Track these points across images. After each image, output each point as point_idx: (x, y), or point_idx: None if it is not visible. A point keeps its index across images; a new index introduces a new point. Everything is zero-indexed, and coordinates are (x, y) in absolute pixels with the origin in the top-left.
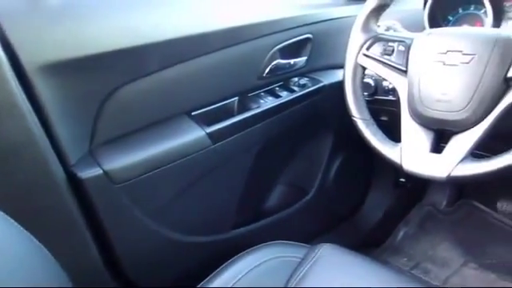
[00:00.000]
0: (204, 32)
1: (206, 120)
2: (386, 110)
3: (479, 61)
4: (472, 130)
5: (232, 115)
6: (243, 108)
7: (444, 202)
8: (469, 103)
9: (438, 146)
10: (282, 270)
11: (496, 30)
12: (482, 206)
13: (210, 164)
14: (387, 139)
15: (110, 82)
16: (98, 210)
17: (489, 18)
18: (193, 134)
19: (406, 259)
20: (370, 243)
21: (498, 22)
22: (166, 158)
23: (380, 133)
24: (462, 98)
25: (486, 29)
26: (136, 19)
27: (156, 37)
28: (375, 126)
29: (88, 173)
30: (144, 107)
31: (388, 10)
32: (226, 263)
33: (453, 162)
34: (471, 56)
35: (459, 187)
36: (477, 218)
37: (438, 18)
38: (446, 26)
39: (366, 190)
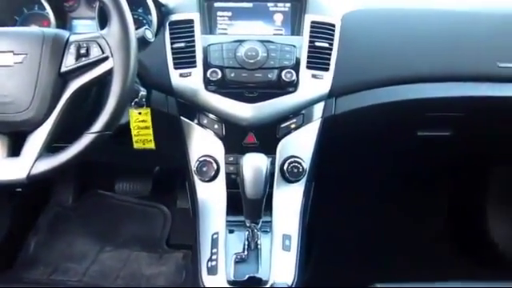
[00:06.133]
0: None
1: None
2: None
3: (32, 59)
4: (42, 127)
5: None
6: None
7: (70, 199)
8: (32, 102)
9: (16, 149)
10: None
11: (43, 29)
12: (106, 192)
13: None
14: None
15: None
16: None
17: (52, 18)
18: None
19: (42, 268)
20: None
21: (63, 21)
22: None
23: None
24: (24, 98)
25: (35, 28)
26: None
27: None
28: None
29: None
30: None
31: None
32: None
33: (30, 161)
34: (23, 55)
35: (81, 181)
36: (103, 204)
37: (5, 19)
38: (14, 26)
39: None
